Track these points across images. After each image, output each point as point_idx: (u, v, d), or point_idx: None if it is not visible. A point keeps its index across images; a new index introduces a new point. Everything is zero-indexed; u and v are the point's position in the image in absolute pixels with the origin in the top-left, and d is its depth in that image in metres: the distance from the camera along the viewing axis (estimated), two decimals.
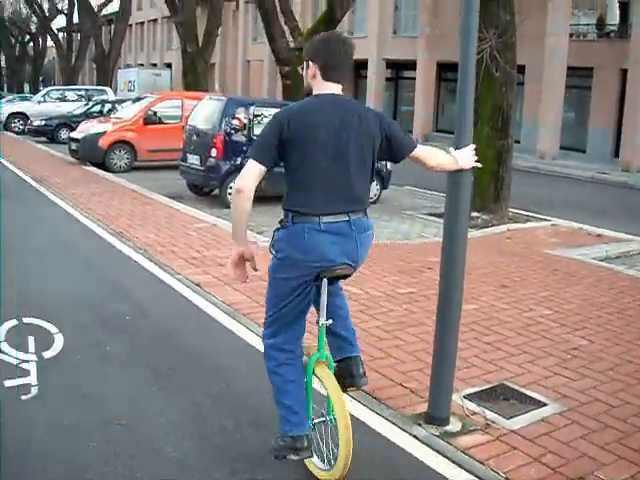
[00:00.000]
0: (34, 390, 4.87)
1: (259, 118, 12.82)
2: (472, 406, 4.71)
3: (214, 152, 12.37)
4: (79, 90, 33.75)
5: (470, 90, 4.23)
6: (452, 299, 4.41)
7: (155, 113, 18.09)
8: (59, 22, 55.91)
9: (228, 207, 12.22)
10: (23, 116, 31.35)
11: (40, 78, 62.75)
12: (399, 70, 36.59)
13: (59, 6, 51.57)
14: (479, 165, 4.26)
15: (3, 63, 73.67)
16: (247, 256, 3.67)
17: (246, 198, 3.50)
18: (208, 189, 13.39)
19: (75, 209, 11.80)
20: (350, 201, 3.59)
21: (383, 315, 6.63)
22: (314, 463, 3.89)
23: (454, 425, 4.43)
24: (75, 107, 28.37)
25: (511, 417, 4.56)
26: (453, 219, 4.35)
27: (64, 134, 25.48)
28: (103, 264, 8.44)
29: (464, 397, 4.82)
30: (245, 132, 12.61)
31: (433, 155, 3.95)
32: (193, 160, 13.12)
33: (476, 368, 5.38)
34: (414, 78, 33.69)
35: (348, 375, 3.99)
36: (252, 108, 12.85)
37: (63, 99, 31.50)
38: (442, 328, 4.45)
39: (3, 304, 6.56)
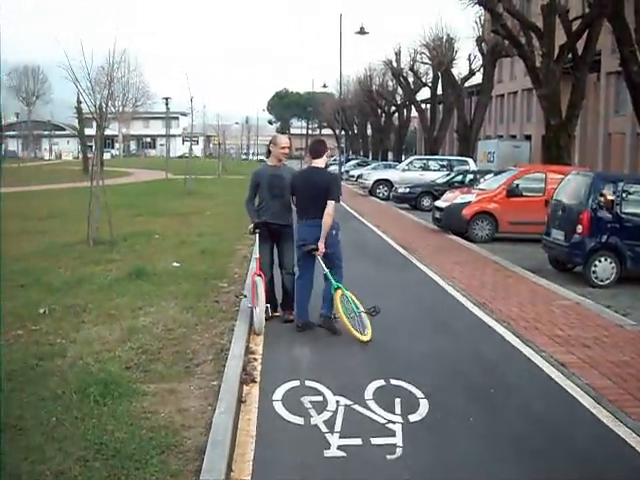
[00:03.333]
0: (399, 451, 5.22)
1: (627, 195, 12.45)
2: None
3: (579, 228, 12.21)
4: (441, 160, 35.33)
5: None
6: None
7: (517, 186, 18.26)
8: (423, 94, 58.81)
9: (592, 286, 11.98)
10: (388, 183, 33.53)
11: (403, 147, 66.22)
12: None
13: (424, 79, 54.21)
14: (319, 253, 8.21)
15: (369, 132, 79.24)
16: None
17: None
18: (571, 265, 13.25)
19: (439, 276, 12.41)
20: (317, 214, 8.08)
21: None
22: (356, 333, 8.00)
23: None
24: (438, 176, 29.65)
25: None
26: None
27: (426, 202, 26.88)
28: (466, 333, 8.78)
29: None
30: (612, 209, 12.25)
31: (326, 212, 8.08)
32: (557, 235, 13.08)
33: None
34: None
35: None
36: (621, 184, 12.48)
37: (426, 168, 33.12)
38: None
39: (368, 363, 7.11)
